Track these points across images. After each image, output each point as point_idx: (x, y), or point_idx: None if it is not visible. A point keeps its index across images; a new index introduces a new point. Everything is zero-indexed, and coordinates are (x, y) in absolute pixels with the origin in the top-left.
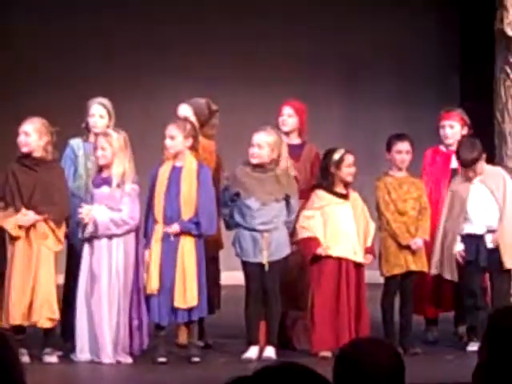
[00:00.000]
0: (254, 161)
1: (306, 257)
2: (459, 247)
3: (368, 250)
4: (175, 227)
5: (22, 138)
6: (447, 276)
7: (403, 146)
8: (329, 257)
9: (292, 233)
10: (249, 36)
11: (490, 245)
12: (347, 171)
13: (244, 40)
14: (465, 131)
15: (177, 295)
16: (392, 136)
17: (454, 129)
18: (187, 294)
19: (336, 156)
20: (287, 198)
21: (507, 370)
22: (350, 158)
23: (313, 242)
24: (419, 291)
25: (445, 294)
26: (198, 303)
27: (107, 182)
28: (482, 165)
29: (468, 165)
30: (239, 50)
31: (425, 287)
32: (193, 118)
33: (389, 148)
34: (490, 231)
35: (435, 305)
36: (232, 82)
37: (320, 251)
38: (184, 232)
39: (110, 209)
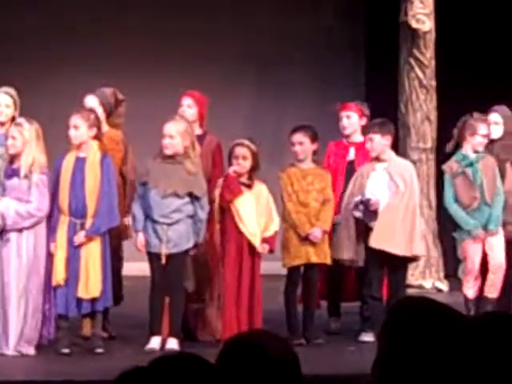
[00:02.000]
0: (168, 151)
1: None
2: (358, 214)
3: (265, 240)
4: (81, 237)
5: None
6: (346, 256)
7: (295, 137)
8: (233, 238)
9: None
10: (157, 30)
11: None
12: (235, 162)
13: (153, 34)
14: (363, 122)
15: (80, 286)
16: (293, 128)
17: (350, 119)
18: (90, 284)
19: (230, 149)
20: (192, 195)
21: (404, 365)
22: (237, 150)
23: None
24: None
25: (348, 284)
26: (102, 294)
27: (16, 172)
28: (389, 152)
29: (367, 131)
30: (148, 43)
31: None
32: (99, 108)
33: (290, 140)
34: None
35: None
36: (141, 74)
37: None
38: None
39: (18, 200)
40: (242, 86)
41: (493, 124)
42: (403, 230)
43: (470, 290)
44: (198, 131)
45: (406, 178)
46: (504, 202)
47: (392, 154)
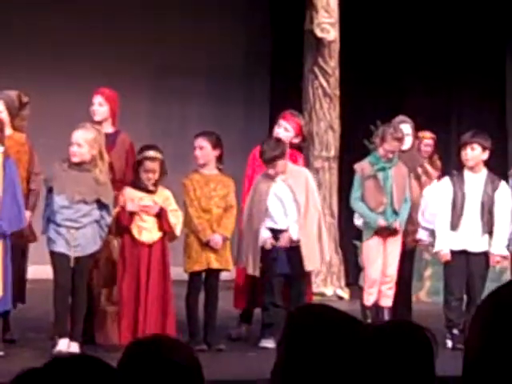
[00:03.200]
0: (75, 159)
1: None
2: (266, 234)
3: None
4: None
5: None
6: (250, 271)
7: (197, 141)
8: (135, 246)
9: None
10: (57, 30)
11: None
12: (146, 174)
13: (53, 34)
14: (297, 140)
15: None
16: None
17: (287, 132)
18: None
19: (139, 156)
20: (100, 202)
21: (302, 371)
22: (148, 164)
23: (123, 214)
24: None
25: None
26: (2, 297)
27: None
28: (285, 163)
29: (269, 162)
30: (47, 43)
31: (240, 283)
32: (5, 112)
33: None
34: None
35: (249, 301)
36: (42, 76)
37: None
38: None
39: None
40: (143, 89)
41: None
42: (315, 246)
43: (369, 297)
44: (110, 129)
45: (305, 187)
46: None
47: (288, 164)
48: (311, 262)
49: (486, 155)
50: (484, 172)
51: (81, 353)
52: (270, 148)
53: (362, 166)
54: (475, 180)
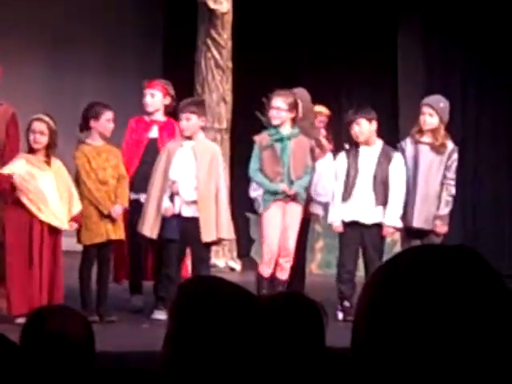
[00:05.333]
0: None
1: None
2: (166, 203)
3: (74, 219)
4: None
5: None
6: (147, 232)
7: (112, 114)
8: (22, 215)
9: None
10: None
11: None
12: (32, 137)
13: None
14: (167, 101)
15: None
16: (98, 104)
17: (154, 97)
18: None
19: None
20: None
21: (194, 341)
22: (34, 125)
23: (3, 177)
24: (120, 259)
25: (147, 263)
26: None
27: None
28: (200, 133)
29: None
30: None
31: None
32: None
33: (96, 116)
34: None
35: (138, 273)
36: None
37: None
38: None
39: None
40: (37, 63)
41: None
42: (212, 219)
43: (265, 270)
44: None
45: (210, 159)
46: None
47: (202, 135)
48: (207, 233)
49: (374, 126)
50: (379, 144)
51: None
52: (190, 102)
53: (261, 137)
54: (369, 153)
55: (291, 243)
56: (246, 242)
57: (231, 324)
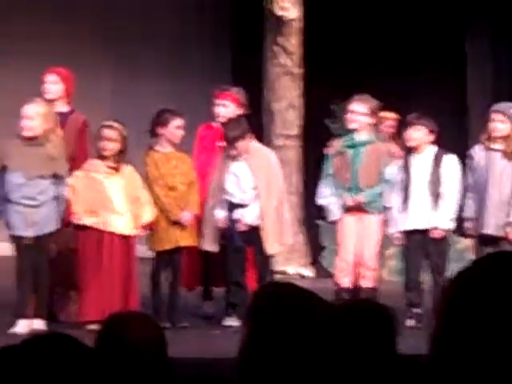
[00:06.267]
0: (27, 133)
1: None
2: (220, 214)
3: (144, 225)
4: None
5: None
6: (207, 247)
7: (181, 121)
8: (89, 227)
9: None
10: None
11: (249, 220)
12: (103, 144)
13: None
14: (240, 111)
15: None
16: (167, 111)
17: (227, 108)
18: None
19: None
20: (56, 177)
21: (270, 348)
22: (105, 132)
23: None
24: (192, 266)
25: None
26: None
27: None
28: (246, 144)
29: (230, 142)
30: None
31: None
32: None
33: (164, 123)
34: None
35: (209, 280)
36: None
37: (72, 219)
38: None
39: None
40: (102, 66)
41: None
42: (274, 227)
43: (341, 279)
44: (65, 108)
45: (266, 167)
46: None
47: (257, 145)
48: (271, 246)
49: (429, 137)
50: (430, 151)
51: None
52: (229, 129)
53: (334, 143)
54: (421, 159)
55: (367, 253)
56: (316, 250)
57: (306, 330)
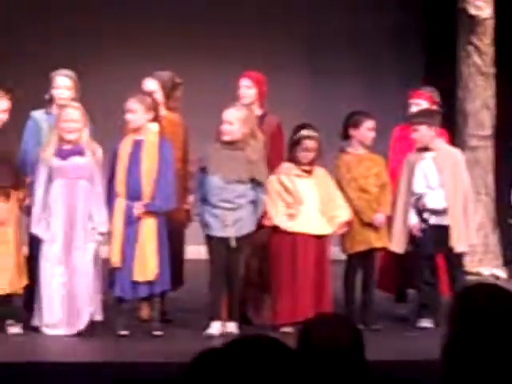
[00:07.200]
0: (226, 138)
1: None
2: (413, 219)
3: (340, 226)
4: (139, 207)
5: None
6: (394, 248)
7: (373, 123)
8: (284, 230)
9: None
10: (209, 13)
11: (445, 221)
12: (304, 154)
13: (205, 17)
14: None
15: (136, 269)
16: (359, 113)
17: (420, 107)
18: (146, 267)
19: (294, 137)
20: (254, 180)
21: (477, 348)
22: (306, 143)
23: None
24: (386, 267)
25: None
26: (160, 277)
27: (81, 152)
28: (437, 141)
29: (414, 123)
30: (200, 26)
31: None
32: (159, 92)
33: (356, 125)
34: (435, 211)
35: (401, 281)
36: (193, 58)
37: (266, 222)
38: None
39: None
40: (293, 71)
41: None
42: (460, 225)
43: None
44: (258, 112)
45: (453, 167)
46: None
47: (442, 144)
48: (460, 243)
49: None
50: None
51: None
52: (420, 113)
53: None
54: None
55: None
56: (510, 250)
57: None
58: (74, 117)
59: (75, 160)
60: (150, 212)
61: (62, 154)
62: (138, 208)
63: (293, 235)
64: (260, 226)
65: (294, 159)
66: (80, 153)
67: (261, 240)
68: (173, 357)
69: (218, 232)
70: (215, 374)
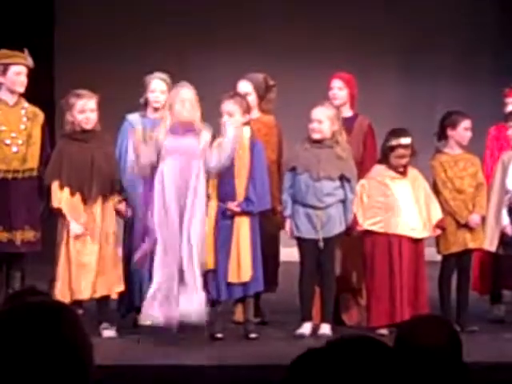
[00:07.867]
0: (316, 136)
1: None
2: (505, 220)
3: (437, 225)
4: (234, 207)
5: (89, 115)
6: (486, 245)
7: (470, 122)
8: (378, 232)
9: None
10: (308, 17)
11: None
12: (397, 160)
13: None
14: None
15: (231, 271)
16: (456, 113)
17: None
18: (241, 269)
19: (388, 143)
20: (343, 178)
21: None
22: (401, 151)
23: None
24: (482, 268)
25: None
26: (254, 278)
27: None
28: None
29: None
30: (298, 30)
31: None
32: (253, 94)
33: (453, 125)
34: None
35: (499, 282)
36: (287, 54)
37: (358, 228)
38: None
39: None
40: (387, 72)
41: None
42: None
43: None
44: (349, 113)
45: None
46: None
47: None
48: None
49: None
50: None
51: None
52: None
53: None
54: None
55: None
56: None
57: None
58: (188, 96)
59: (188, 140)
60: (243, 212)
61: (178, 132)
62: (231, 207)
63: (388, 237)
64: (348, 229)
65: (387, 163)
66: (194, 133)
67: (353, 242)
68: (266, 359)
69: (306, 234)
70: (320, 375)
